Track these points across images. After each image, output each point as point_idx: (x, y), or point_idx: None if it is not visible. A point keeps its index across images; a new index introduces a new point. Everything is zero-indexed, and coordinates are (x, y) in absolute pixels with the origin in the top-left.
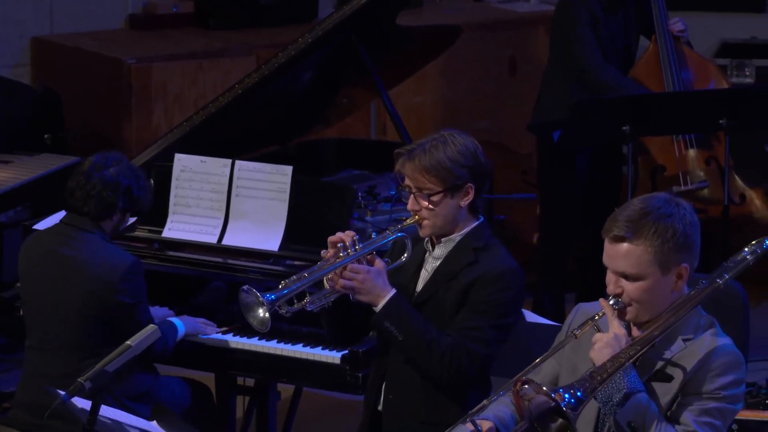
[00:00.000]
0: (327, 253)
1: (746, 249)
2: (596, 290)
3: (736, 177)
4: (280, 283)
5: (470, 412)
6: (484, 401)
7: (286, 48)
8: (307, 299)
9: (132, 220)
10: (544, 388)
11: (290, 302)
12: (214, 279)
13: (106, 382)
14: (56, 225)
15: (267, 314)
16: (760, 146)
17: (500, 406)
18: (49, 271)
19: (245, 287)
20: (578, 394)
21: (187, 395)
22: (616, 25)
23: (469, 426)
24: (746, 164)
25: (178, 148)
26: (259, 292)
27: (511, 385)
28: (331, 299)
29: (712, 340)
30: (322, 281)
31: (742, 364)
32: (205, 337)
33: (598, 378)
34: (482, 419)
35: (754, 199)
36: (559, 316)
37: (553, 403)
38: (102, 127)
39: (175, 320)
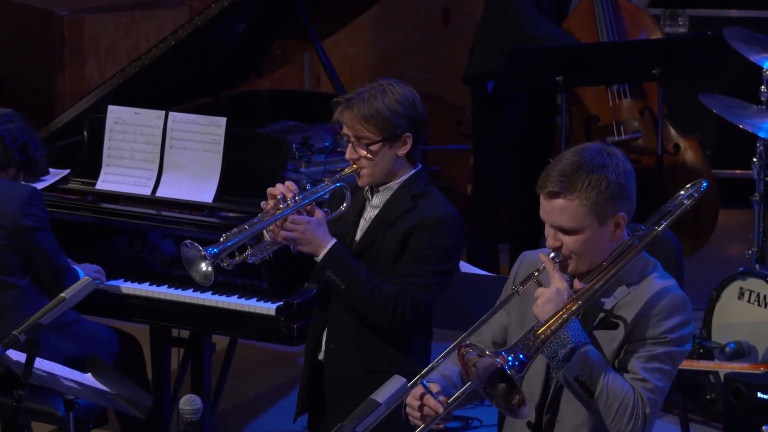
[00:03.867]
0: (267, 205)
1: (683, 192)
2: (530, 241)
3: (670, 127)
4: (219, 238)
5: (420, 374)
6: (433, 363)
7: None
8: (248, 251)
9: (64, 173)
10: (488, 352)
11: (231, 255)
12: (148, 231)
13: (40, 335)
14: None
15: (209, 268)
16: (694, 96)
17: (447, 364)
18: None
19: (187, 242)
20: (521, 356)
21: (115, 342)
22: None
23: (419, 389)
24: (680, 114)
25: (111, 100)
26: (200, 246)
27: (456, 348)
28: (272, 251)
29: (655, 283)
30: (262, 233)
31: (687, 304)
32: (141, 287)
33: (542, 336)
34: (430, 381)
35: (688, 148)
36: (493, 267)
37: (497, 366)
38: (34, 79)
39: (77, 268)
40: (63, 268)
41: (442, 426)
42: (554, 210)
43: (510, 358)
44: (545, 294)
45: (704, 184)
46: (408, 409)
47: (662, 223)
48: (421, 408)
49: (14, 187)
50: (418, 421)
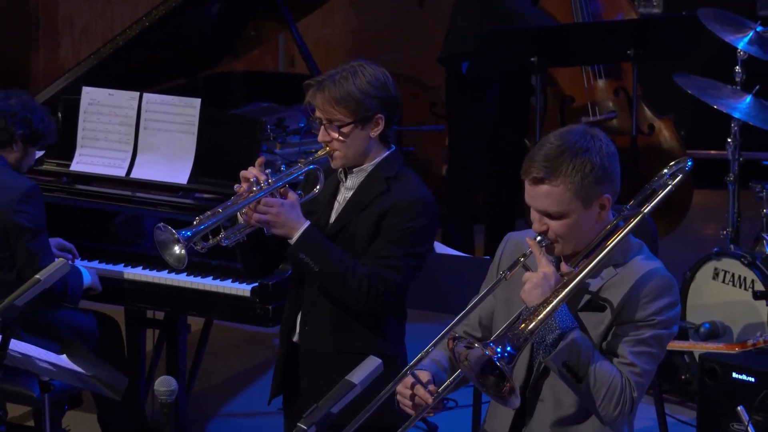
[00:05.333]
0: (240, 188)
1: (666, 170)
2: (505, 222)
3: (645, 107)
4: (194, 219)
5: (410, 364)
6: (422, 353)
7: None
8: (221, 234)
9: (39, 154)
10: (476, 344)
11: (205, 238)
12: (123, 212)
13: (16, 317)
14: None
15: (183, 251)
16: (668, 76)
17: (436, 350)
18: None
19: (160, 225)
20: (509, 348)
21: (94, 327)
22: None
23: (410, 378)
24: (654, 94)
25: (85, 81)
26: (174, 229)
27: (443, 338)
28: (245, 234)
29: (642, 264)
30: (236, 216)
31: (674, 286)
32: (115, 269)
33: (531, 325)
34: (420, 370)
35: (663, 129)
36: (468, 248)
37: (486, 358)
38: (9, 61)
39: (82, 268)
40: None
41: (432, 414)
42: (539, 195)
43: (498, 350)
44: (533, 279)
45: (689, 163)
46: (399, 398)
47: (648, 205)
48: (412, 397)
49: (15, 180)
50: (410, 410)
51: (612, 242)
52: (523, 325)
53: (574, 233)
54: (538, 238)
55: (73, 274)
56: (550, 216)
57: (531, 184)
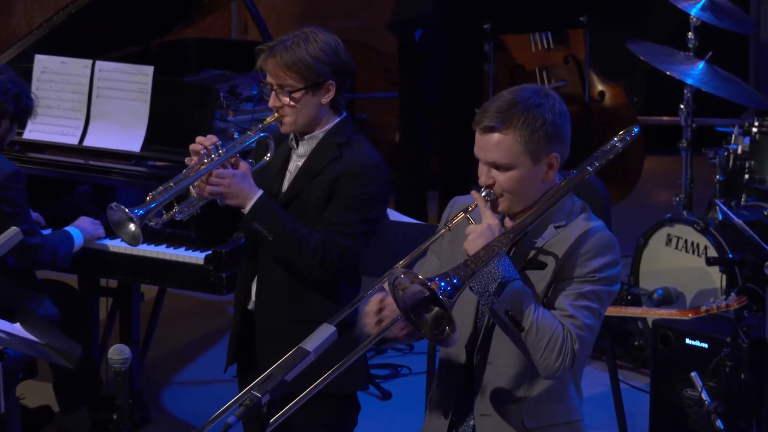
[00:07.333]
0: (191, 161)
1: (615, 139)
2: (458, 188)
3: (595, 74)
4: (147, 196)
5: (353, 301)
6: (362, 295)
7: None
8: (175, 209)
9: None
10: (420, 277)
11: (159, 213)
12: (76, 180)
13: None
14: None
15: (138, 229)
16: (620, 43)
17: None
18: None
19: (113, 205)
20: (454, 281)
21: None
22: None
23: (379, 295)
24: (607, 62)
25: (38, 49)
26: (126, 207)
27: (387, 276)
28: (199, 206)
29: (583, 224)
30: (189, 189)
31: (615, 245)
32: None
33: (473, 266)
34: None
35: (614, 96)
36: (421, 214)
37: (428, 293)
38: None
39: (71, 229)
40: (36, 247)
41: (398, 337)
42: (489, 145)
43: (443, 284)
44: (476, 229)
45: (635, 130)
46: (365, 318)
47: (594, 164)
48: (379, 312)
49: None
50: (372, 329)
51: (556, 197)
52: (465, 265)
53: (520, 189)
54: (484, 192)
55: (61, 240)
56: (498, 167)
57: (482, 133)
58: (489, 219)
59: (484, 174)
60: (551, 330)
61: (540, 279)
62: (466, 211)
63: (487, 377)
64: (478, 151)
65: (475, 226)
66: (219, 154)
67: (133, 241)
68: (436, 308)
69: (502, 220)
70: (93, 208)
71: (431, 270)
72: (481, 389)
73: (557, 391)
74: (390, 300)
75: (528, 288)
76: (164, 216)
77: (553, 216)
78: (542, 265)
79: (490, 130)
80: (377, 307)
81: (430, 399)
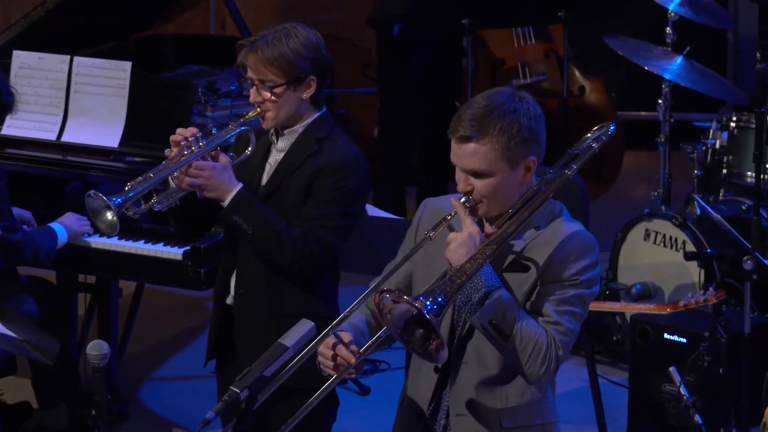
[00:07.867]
0: (171, 152)
1: (589, 135)
2: (437, 184)
3: (575, 69)
4: (125, 184)
5: (332, 324)
6: (344, 313)
7: None
8: (154, 199)
9: None
10: (405, 297)
11: (137, 203)
12: (54, 176)
13: None
14: None
15: (115, 217)
16: (599, 37)
17: (354, 314)
18: None
19: (91, 192)
20: (439, 299)
21: (30, 294)
22: None
23: (332, 339)
24: (586, 57)
25: (16, 45)
26: (105, 195)
27: (370, 295)
28: (178, 198)
29: (564, 226)
30: (168, 180)
31: (595, 246)
32: None
33: (458, 281)
34: (342, 331)
35: (593, 90)
36: (400, 210)
37: (414, 311)
38: None
39: (55, 225)
40: (17, 243)
41: (353, 375)
42: (466, 154)
43: (428, 303)
44: (458, 238)
45: (611, 127)
46: (321, 359)
47: (571, 167)
48: (334, 358)
49: None
50: (331, 370)
51: (537, 202)
52: (450, 280)
53: (499, 194)
54: (463, 198)
55: (44, 236)
56: (476, 175)
57: (458, 142)
58: (469, 227)
59: (462, 181)
60: (535, 338)
61: (522, 282)
62: (446, 219)
63: (461, 377)
64: (455, 159)
65: (456, 234)
66: (199, 146)
67: (110, 229)
68: (424, 327)
69: (481, 225)
70: (69, 204)
71: (403, 273)
72: (454, 389)
73: (534, 393)
74: (341, 348)
75: (511, 296)
76: (143, 206)
77: (534, 218)
78: (524, 268)
79: (466, 139)
80: (331, 353)
81: (400, 397)
